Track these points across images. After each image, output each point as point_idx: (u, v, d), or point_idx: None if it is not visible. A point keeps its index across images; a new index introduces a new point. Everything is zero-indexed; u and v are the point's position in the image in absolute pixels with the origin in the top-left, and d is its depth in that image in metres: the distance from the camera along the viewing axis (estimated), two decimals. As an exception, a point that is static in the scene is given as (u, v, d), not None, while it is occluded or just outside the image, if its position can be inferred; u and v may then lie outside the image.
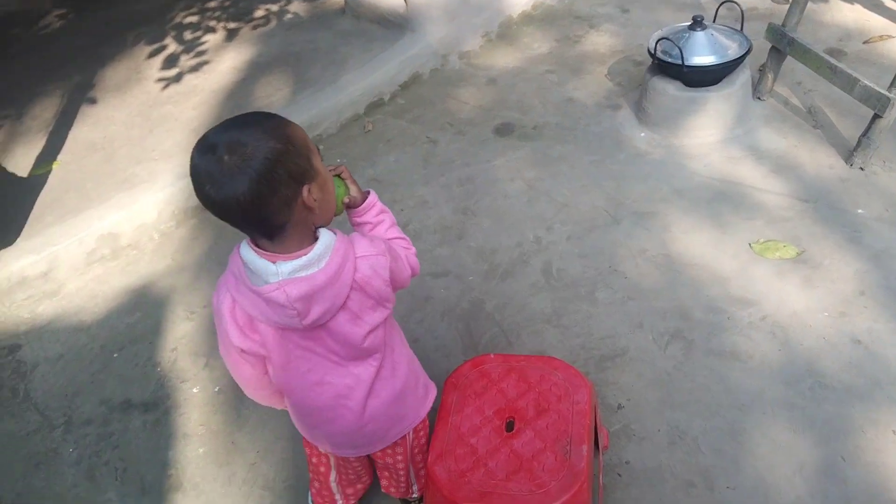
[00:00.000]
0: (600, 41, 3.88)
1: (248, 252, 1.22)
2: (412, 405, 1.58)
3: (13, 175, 3.31)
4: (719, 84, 2.96)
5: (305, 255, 1.21)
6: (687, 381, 2.08)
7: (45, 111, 3.91)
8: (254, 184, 1.09)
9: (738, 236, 2.52)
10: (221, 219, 1.16)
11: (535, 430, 1.62)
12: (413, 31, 3.88)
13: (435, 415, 1.67)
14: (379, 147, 3.34)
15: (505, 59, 3.88)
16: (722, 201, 2.69)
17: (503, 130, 3.33)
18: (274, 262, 1.19)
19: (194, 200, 3.03)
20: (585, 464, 1.55)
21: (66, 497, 2.02)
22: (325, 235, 1.24)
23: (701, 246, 2.52)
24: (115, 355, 2.46)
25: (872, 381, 2.00)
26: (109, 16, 5.04)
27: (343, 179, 1.40)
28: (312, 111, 3.39)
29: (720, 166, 2.85)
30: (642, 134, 3.11)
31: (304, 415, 1.50)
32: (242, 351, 1.33)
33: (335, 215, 1.34)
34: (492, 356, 1.83)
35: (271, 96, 3.62)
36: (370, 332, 1.36)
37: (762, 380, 2.05)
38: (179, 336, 2.50)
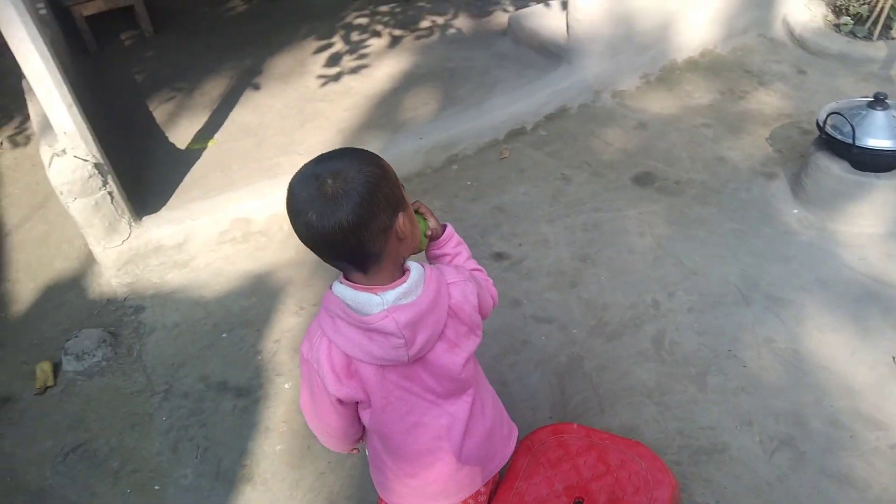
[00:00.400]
0: (767, 101, 3.64)
1: (344, 289, 1.21)
2: (499, 444, 1.53)
3: (173, 146, 3.57)
4: (892, 172, 2.68)
5: (405, 282, 1.21)
6: (788, 496, 1.89)
7: (214, 90, 4.18)
8: (357, 208, 1.11)
9: (880, 346, 2.27)
10: (316, 249, 1.16)
11: (604, 520, 1.52)
12: (570, 62, 3.81)
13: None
14: (511, 176, 3.30)
15: (660, 104, 3.73)
16: (870, 303, 2.43)
17: (643, 180, 3.19)
18: (376, 294, 1.20)
19: (325, 199, 3.13)
20: (651, 570, 1.44)
21: (149, 463, 2.14)
22: (414, 265, 1.26)
23: (836, 348, 2.28)
24: (223, 335, 2.58)
25: None
26: (288, 6, 5.33)
27: (422, 214, 1.41)
28: (452, 130, 3.40)
29: (876, 263, 2.58)
30: (795, 210, 2.88)
31: (403, 463, 1.44)
32: (339, 401, 1.29)
33: (418, 251, 1.35)
34: (575, 426, 1.74)
35: (417, 109, 3.68)
36: (467, 360, 1.34)
37: (877, 516, 1.82)
38: (285, 329, 2.59)
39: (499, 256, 2.83)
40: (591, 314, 2.51)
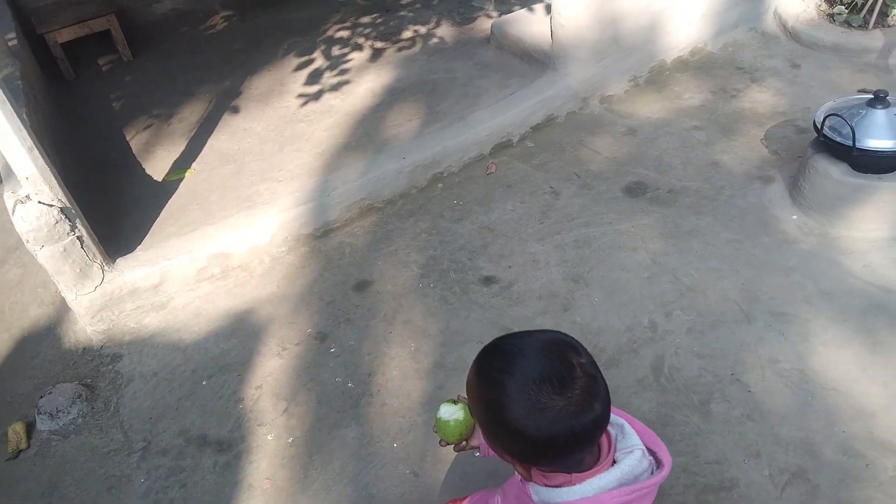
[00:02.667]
0: (761, 99, 3.51)
1: (599, 481, 1.09)
2: None
3: (149, 178, 3.46)
4: (895, 172, 2.56)
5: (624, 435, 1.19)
6: (803, 536, 1.78)
7: (192, 115, 4.07)
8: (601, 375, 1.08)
9: (892, 361, 2.15)
10: (588, 438, 1.05)
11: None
12: (555, 69, 3.69)
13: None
14: (498, 192, 3.18)
15: (650, 107, 3.61)
16: (878, 313, 2.31)
17: (634, 190, 3.07)
18: (634, 449, 1.14)
19: (307, 227, 3.03)
20: None
21: (126, 532, 2.03)
22: None
23: (845, 366, 2.17)
24: (203, 382, 2.47)
25: None
26: (269, 21, 5.22)
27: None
28: (436, 148, 3.28)
29: (883, 270, 2.46)
30: (794, 217, 2.76)
31: None
32: None
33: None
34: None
35: (400, 126, 3.56)
36: None
37: (898, 555, 1.71)
38: (266, 373, 2.48)
39: (487, 280, 2.71)
40: (586, 340, 2.39)
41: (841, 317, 2.32)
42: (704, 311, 2.43)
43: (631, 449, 1.12)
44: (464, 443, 1.41)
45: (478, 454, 1.46)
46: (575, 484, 1.09)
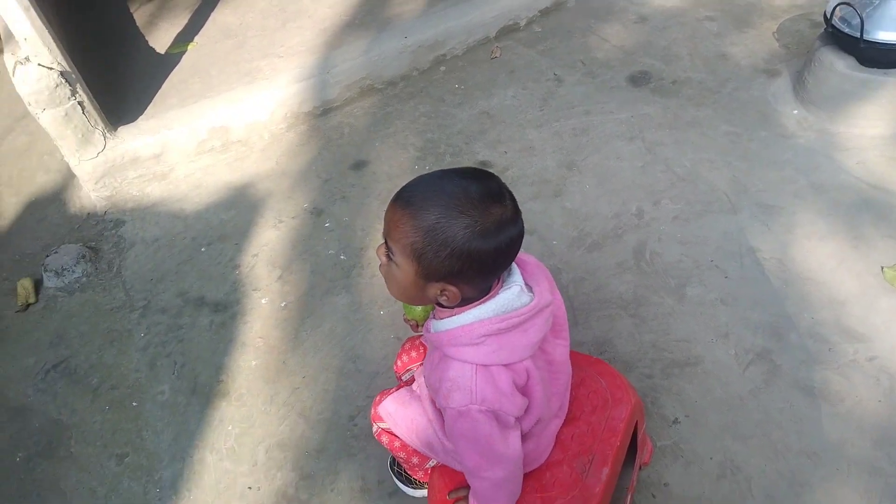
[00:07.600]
0: (780, -10, 3.39)
1: (484, 306, 1.17)
2: None
3: (152, 50, 3.44)
4: (902, 68, 2.51)
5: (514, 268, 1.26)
6: (759, 410, 1.88)
7: (196, -13, 3.98)
8: None
9: (870, 256, 2.19)
10: (515, 251, 1.15)
11: (559, 439, 1.52)
12: (569, -50, 3.55)
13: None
14: (500, 77, 3.15)
15: (664, -5, 3.49)
16: (864, 209, 2.33)
17: (638, 79, 3.03)
18: (514, 285, 1.21)
19: (307, 105, 3.04)
20: (601, 489, 1.44)
21: (127, 379, 2.17)
22: None
23: (823, 257, 2.21)
24: (202, 249, 2.57)
25: (980, 464, 1.71)
26: None
27: None
28: (440, 28, 3.22)
29: (875, 167, 2.46)
30: (795, 111, 2.73)
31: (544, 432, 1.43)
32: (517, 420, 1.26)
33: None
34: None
35: (405, 4, 3.48)
36: None
37: (847, 430, 1.81)
38: (263, 242, 2.56)
39: (482, 165, 2.74)
40: (573, 225, 2.45)
41: (828, 211, 2.35)
42: (692, 199, 2.46)
43: (510, 285, 1.19)
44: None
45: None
46: (456, 315, 1.18)
